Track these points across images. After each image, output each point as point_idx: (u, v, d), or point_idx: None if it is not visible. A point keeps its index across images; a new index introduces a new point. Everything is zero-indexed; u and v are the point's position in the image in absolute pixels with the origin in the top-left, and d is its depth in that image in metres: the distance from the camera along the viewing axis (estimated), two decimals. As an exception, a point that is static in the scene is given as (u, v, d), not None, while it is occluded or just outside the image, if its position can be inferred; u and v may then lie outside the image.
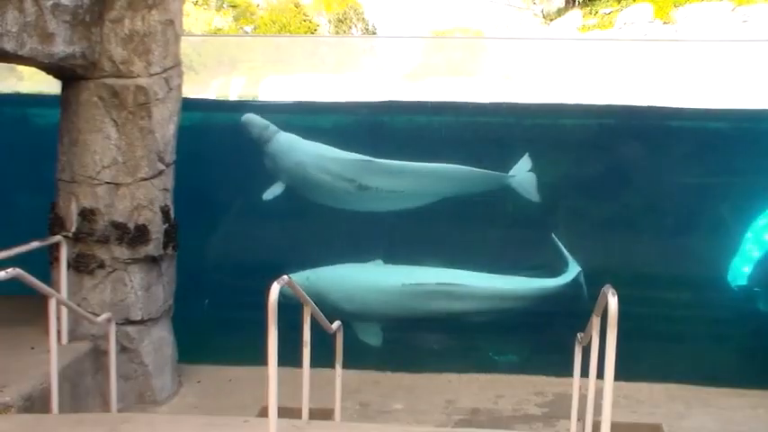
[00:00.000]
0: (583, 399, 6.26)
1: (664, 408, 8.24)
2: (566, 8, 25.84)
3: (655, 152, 10.91)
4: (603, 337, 4.76)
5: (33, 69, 7.59)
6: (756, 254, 10.84)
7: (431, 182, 10.81)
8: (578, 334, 6.46)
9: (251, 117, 10.70)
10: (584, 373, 5.85)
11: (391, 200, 10.75)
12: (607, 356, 4.66)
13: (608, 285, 4.84)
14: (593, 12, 24.38)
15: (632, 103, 11.27)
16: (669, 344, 9.87)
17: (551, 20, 26.20)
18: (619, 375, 4.69)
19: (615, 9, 23.78)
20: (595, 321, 5.36)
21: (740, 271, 10.85)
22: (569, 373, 6.74)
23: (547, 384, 8.86)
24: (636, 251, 10.68)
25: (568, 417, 6.84)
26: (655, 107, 11.19)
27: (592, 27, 23.81)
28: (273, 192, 10.59)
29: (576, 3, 25.28)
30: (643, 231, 10.76)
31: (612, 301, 4.66)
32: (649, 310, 9.94)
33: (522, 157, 10.71)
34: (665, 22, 22.34)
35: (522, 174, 10.68)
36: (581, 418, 6.49)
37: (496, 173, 10.68)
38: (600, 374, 4.92)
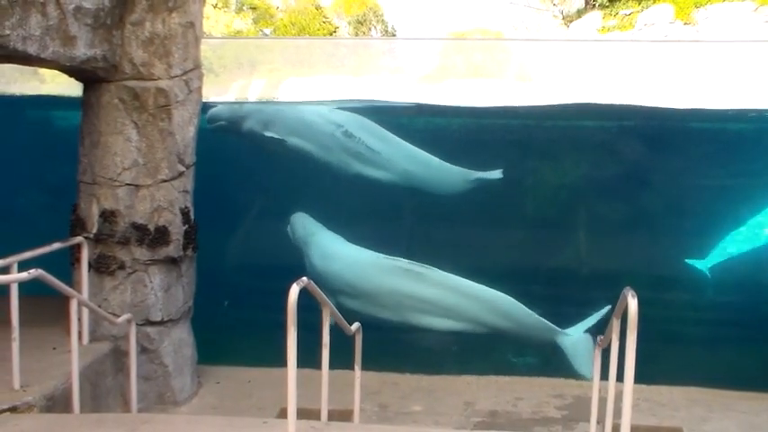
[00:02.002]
0: (602, 401, 6.23)
1: (684, 411, 8.19)
2: (585, 9, 25.69)
3: (674, 153, 10.86)
4: (623, 339, 4.74)
5: (55, 72, 7.65)
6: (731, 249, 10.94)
7: (403, 157, 11.42)
8: (598, 336, 6.44)
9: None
10: (604, 375, 5.84)
11: (367, 160, 11.28)
12: (627, 359, 4.64)
13: (628, 288, 4.82)
14: (613, 13, 24.22)
15: (652, 105, 11.21)
16: (690, 347, 9.81)
17: (571, 21, 26.06)
18: (639, 378, 4.67)
19: (635, 10, 23.61)
20: (615, 324, 5.34)
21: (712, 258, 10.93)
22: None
23: (566, 387, 8.84)
24: (655, 253, 10.63)
25: (588, 419, 6.81)
26: (674, 108, 11.15)
27: (612, 28, 23.65)
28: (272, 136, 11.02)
29: (596, 4, 25.14)
30: (663, 233, 10.72)
31: (632, 304, 4.64)
32: (670, 312, 9.89)
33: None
34: (685, 23, 22.16)
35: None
36: (601, 420, 6.46)
37: (465, 170, 11.04)
38: (620, 377, 4.90)
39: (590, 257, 11.15)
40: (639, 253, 10.68)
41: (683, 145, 11.00)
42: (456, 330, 10.31)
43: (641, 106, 11.20)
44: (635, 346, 4.60)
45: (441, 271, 10.36)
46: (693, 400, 8.49)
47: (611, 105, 11.32)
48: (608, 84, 11.88)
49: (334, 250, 10.81)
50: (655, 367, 7.69)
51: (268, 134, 11.23)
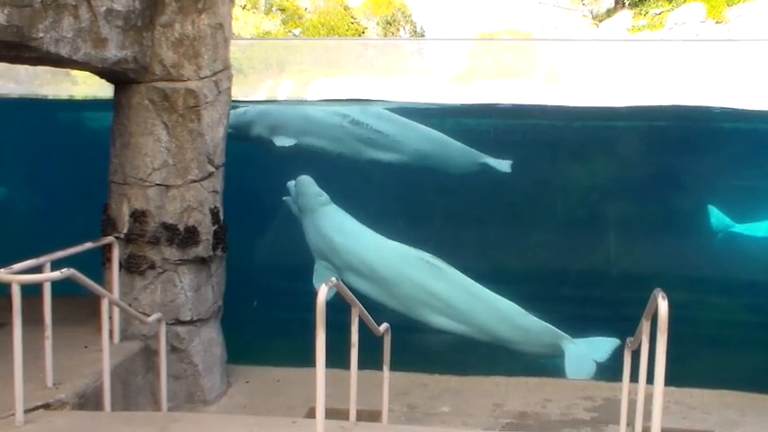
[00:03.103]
0: (632, 404, 6.18)
1: (716, 414, 8.08)
2: (615, 9, 25.51)
3: (706, 154, 10.77)
4: (653, 341, 4.70)
5: (87, 74, 7.72)
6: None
7: (414, 136, 11.57)
8: (628, 338, 6.40)
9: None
10: (634, 377, 5.79)
11: (376, 143, 11.33)
12: (657, 361, 4.60)
13: (658, 289, 4.78)
14: (643, 12, 24.01)
15: (683, 105, 11.12)
16: (722, 349, 9.71)
17: (600, 21, 25.89)
18: (669, 380, 4.63)
19: (666, 9, 23.39)
20: (645, 325, 5.30)
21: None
22: (618, 378, 6.67)
23: (595, 389, 8.77)
24: (687, 253, 10.54)
25: (617, 422, 6.76)
26: (706, 108, 11.05)
27: (642, 28, 23.45)
28: (283, 142, 11.03)
29: (626, 3, 24.95)
30: (694, 233, 10.63)
31: (663, 305, 4.60)
32: (701, 314, 9.79)
33: None
34: (717, 22, 21.91)
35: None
36: (630, 423, 6.41)
37: (474, 150, 11.07)
38: (650, 379, 4.86)
39: (620, 258, 11.08)
40: (670, 254, 10.59)
41: (716, 145, 10.91)
42: (459, 333, 10.33)
43: (672, 106, 11.12)
44: (665, 348, 4.56)
45: (457, 270, 10.37)
46: (726, 403, 8.38)
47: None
48: (639, 84, 11.79)
49: (354, 228, 10.78)
50: (686, 369, 7.62)
51: (277, 137, 11.28)
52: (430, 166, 11.47)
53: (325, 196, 10.84)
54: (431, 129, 11.57)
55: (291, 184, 11.02)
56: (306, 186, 10.86)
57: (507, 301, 10.29)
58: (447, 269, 10.38)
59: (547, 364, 10.09)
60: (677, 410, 8.04)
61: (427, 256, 10.43)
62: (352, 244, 10.60)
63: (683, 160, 11.05)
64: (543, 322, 10.16)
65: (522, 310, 10.22)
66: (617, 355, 9.50)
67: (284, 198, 11.05)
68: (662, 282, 5.14)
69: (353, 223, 10.81)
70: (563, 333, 10.07)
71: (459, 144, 11.56)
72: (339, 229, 10.69)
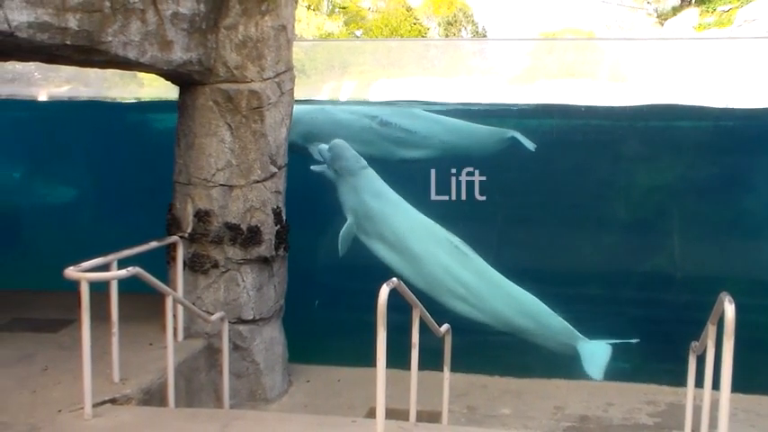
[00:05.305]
0: (697, 410, 6.07)
1: (785, 423, 7.89)
2: (681, 6, 25.08)
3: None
4: (720, 346, 4.62)
5: (153, 76, 7.86)
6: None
7: (439, 129, 11.56)
8: (693, 342, 6.28)
9: None
10: (699, 383, 5.69)
11: (405, 142, 11.40)
12: (723, 366, 4.52)
13: (724, 292, 4.69)
14: (711, 9, 23.55)
15: (752, 105, 10.89)
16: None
17: (666, 19, 25.48)
18: (736, 387, 4.54)
19: (734, 6, 22.88)
20: (711, 330, 5.21)
21: None
22: (683, 383, 6.55)
23: (659, 393, 8.62)
24: (755, 257, 10.32)
25: (682, 428, 6.64)
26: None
27: (709, 25, 23.01)
28: (319, 153, 11.08)
29: (692, 1, 24.50)
30: (762, 236, 10.39)
31: (729, 309, 4.52)
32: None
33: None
34: (789, 19, 21.35)
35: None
36: (695, 430, 6.30)
37: (498, 128, 11.14)
38: (716, 385, 4.77)
39: (685, 261, 10.88)
40: (737, 256, 10.38)
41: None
42: (477, 321, 10.30)
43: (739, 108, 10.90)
44: (732, 354, 4.48)
45: (482, 260, 10.34)
46: (796, 411, 8.18)
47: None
48: (706, 83, 11.57)
49: (393, 198, 10.80)
50: (754, 376, 7.44)
51: (311, 146, 11.31)
52: (461, 155, 11.45)
53: (363, 160, 10.87)
54: (454, 119, 11.59)
55: (324, 148, 11.01)
56: (343, 150, 10.85)
57: (528, 293, 10.26)
58: (473, 256, 10.39)
59: (608, 368, 9.96)
60: (744, 418, 7.86)
61: (457, 240, 10.44)
62: (388, 211, 10.63)
63: (748, 161, 10.83)
64: (562, 320, 10.11)
65: (542, 304, 10.18)
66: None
67: (312, 167, 11.03)
68: (728, 285, 5.04)
69: (390, 191, 10.82)
70: (579, 334, 10.02)
71: (484, 127, 11.56)
72: (377, 195, 10.72)
